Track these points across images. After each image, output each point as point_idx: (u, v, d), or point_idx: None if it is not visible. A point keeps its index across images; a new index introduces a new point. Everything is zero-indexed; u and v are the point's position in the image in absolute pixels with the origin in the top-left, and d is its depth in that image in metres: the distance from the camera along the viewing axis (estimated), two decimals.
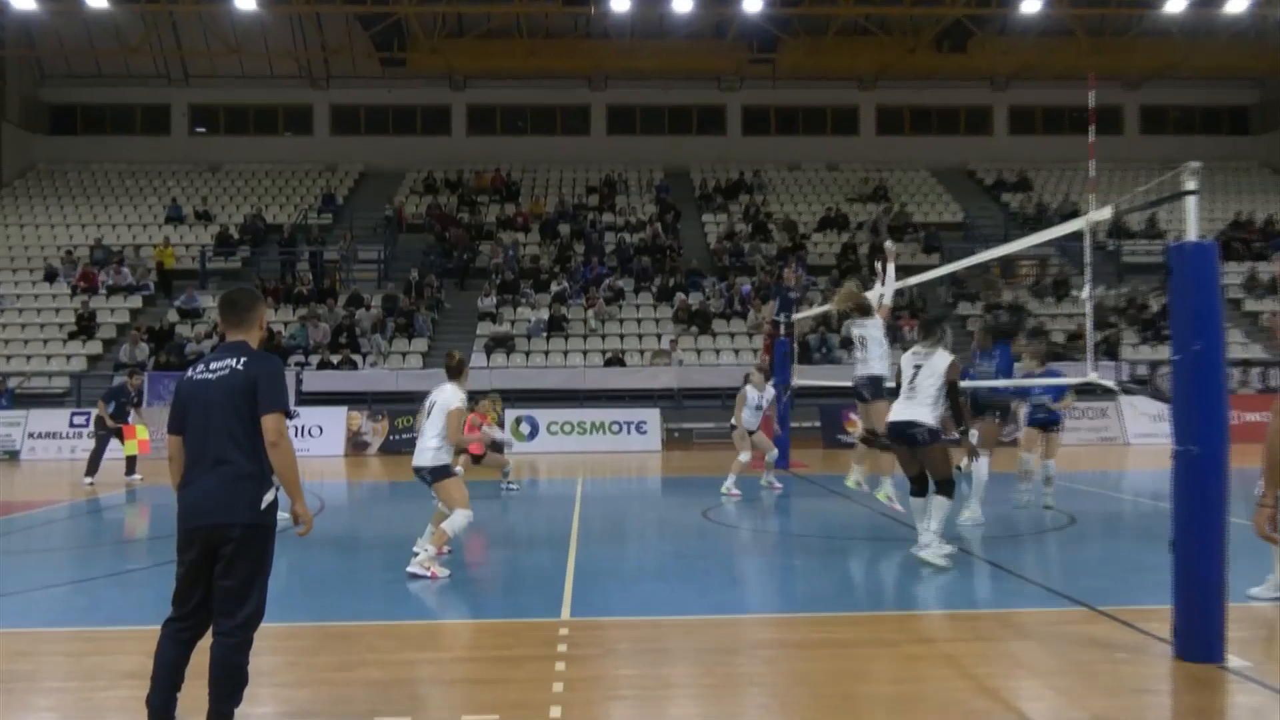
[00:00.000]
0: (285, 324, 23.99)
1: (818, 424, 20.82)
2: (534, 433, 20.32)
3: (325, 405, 20.48)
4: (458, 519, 7.57)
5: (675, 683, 5.15)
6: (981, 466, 10.08)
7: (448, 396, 7.70)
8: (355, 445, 20.06)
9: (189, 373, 4.31)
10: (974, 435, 9.96)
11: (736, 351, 23.17)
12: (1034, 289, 26.52)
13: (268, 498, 4.15)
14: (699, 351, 23.54)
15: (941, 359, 7.81)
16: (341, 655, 5.59)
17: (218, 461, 4.10)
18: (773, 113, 33.99)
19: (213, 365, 4.23)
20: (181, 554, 4.16)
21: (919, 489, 7.84)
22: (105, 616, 6.68)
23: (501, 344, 23.25)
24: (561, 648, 5.60)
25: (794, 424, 17.40)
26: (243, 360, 4.20)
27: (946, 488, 7.68)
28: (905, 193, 32.08)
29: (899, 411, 7.80)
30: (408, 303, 24.54)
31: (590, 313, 24.76)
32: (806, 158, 33.56)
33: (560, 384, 21.62)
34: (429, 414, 7.79)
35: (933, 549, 7.64)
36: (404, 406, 20.74)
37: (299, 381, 21.16)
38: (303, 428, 19.87)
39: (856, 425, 11.16)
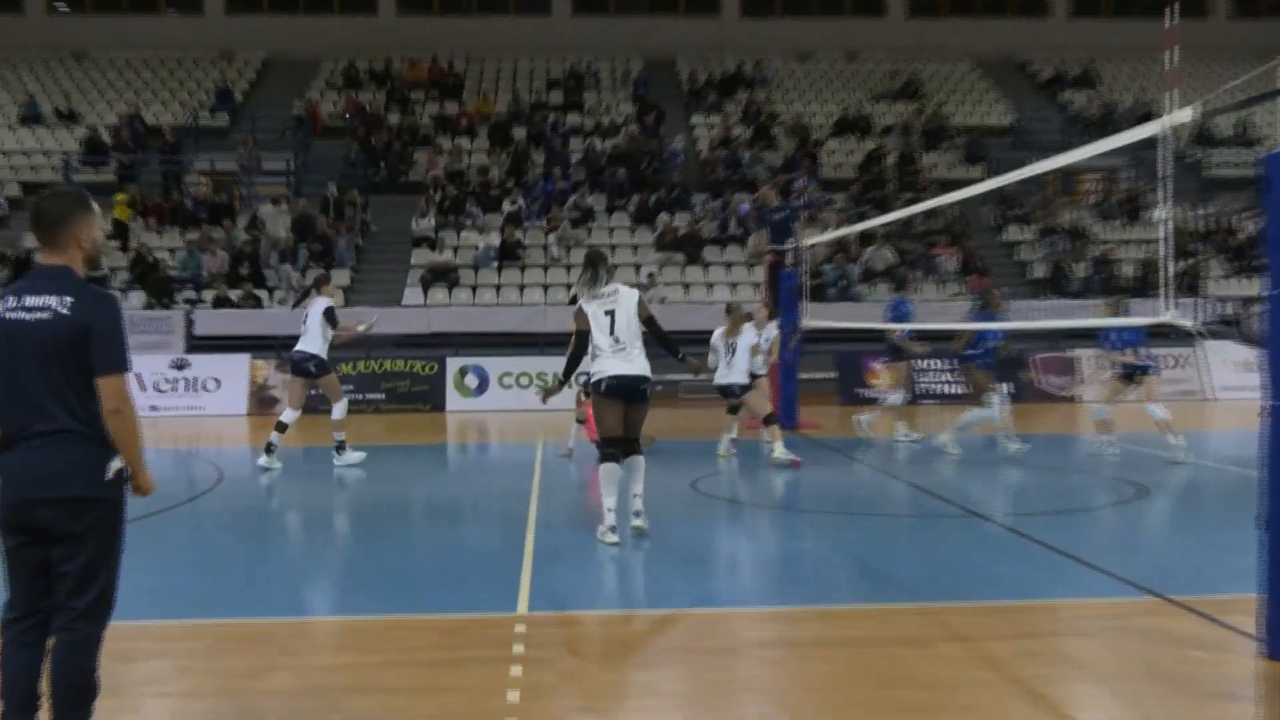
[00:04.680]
0: (171, 251, 23.76)
1: (833, 374, 20.92)
2: (483, 386, 20.30)
3: (223, 352, 20.35)
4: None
5: (655, 690, 5.19)
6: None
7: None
8: (261, 402, 19.97)
9: None
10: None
11: (733, 286, 23.17)
12: (1099, 209, 26.58)
13: (113, 465, 4.09)
14: (687, 286, 23.52)
15: (629, 295, 8.40)
16: (247, 659, 5.61)
17: (43, 426, 4.01)
18: None
19: (28, 301, 4.03)
20: (6, 537, 4.10)
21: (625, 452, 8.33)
22: None
23: (442, 277, 23.13)
24: (517, 648, 5.64)
25: (804, 375, 17.47)
26: (68, 301, 4.02)
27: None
28: (942, 89, 31.92)
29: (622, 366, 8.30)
30: (324, 224, 24.34)
31: (552, 238, 24.65)
32: (820, 45, 33.29)
33: (515, 326, 21.55)
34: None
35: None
36: None
37: (190, 323, 21.01)
38: (195, 380, 19.79)
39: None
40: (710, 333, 12.81)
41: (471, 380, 20.35)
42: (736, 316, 12.76)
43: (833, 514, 9.80)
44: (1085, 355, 20.72)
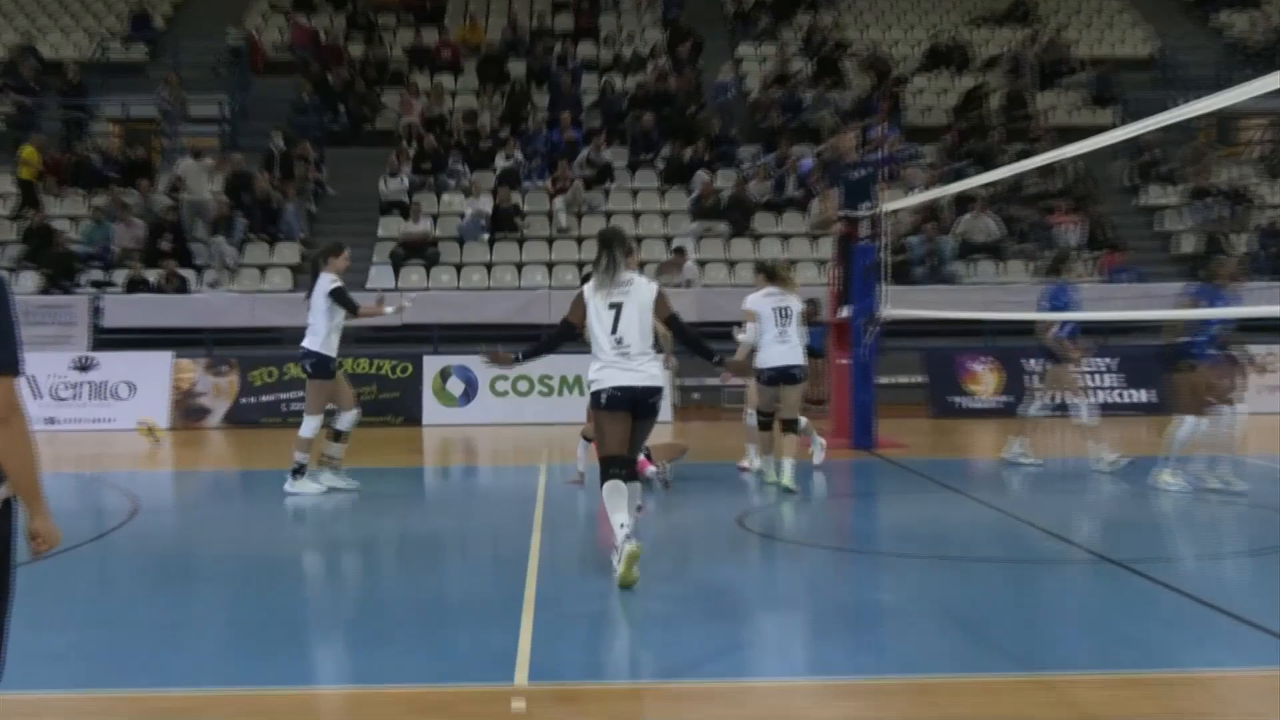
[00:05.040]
0: (73, 220, 23.90)
1: (922, 378, 20.83)
2: (470, 393, 20.31)
3: (139, 349, 20.51)
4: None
5: None
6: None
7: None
8: (187, 413, 20.07)
9: None
10: None
11: (791, 263, 23.10)
12: (1266, 164, 26.41)
13: None
14: (732, 264, 23.50)
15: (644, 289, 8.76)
16: None
17: None
18: None
19: None
20: None
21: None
22: None
23: (417, 252, 23.19)
24: None
25: (883, 379, 17.39)
26: None
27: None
28: (1062, 10, 31.80)
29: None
30: (266, 185, 24.42)
31: (558, 202, 24.66)
32: None
33: (511, 316, 21.56)
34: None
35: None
36: (263, 352, 20.67)
37: (96, 312, 21.11)
38: (104, 385, 19.86)
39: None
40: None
41: (455, 385, 20.38)
42: (785, 274, 12.64)
43: (920, 558, 9.75)
44: (1256, 355, 20.51)
